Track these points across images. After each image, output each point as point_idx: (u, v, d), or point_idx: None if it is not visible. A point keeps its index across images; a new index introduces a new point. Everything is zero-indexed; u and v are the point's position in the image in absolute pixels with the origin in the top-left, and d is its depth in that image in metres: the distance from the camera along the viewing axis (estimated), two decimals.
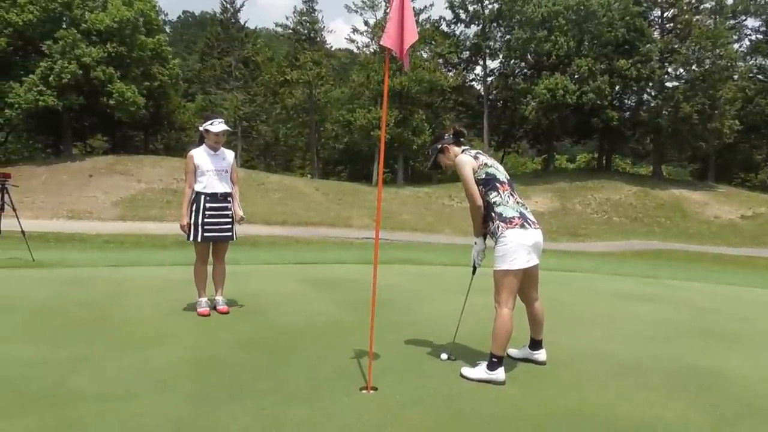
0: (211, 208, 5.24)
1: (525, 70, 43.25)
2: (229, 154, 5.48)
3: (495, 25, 43.86)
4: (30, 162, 33.82)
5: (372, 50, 42.74)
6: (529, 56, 41.10)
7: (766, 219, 33.05)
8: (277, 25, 48.51)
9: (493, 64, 45.80)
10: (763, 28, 42.88)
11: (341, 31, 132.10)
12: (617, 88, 39.53)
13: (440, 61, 43.82)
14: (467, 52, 45.74)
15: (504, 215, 3.78)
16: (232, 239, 5.43)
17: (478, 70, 47.01)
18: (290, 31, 46.99)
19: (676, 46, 37.72)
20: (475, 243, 3.96)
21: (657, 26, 40.95)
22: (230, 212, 5.37)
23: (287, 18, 49.78)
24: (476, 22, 44.26)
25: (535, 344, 4.18)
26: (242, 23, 49.90)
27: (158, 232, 20.28)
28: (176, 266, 9.06)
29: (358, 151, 46.04)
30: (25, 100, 30.83)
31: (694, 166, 53.32)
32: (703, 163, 48.08)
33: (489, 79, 45.21)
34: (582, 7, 36.87)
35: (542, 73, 38.71)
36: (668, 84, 39.58)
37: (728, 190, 40.45)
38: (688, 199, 36.69)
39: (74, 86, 31.86)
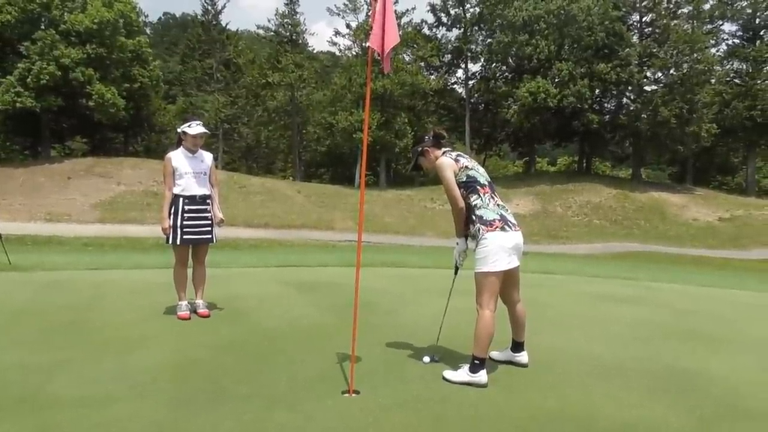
0: (190, 211, 5.21)
1: (506, 74, 43.54)
2: (208, 156, 5.45)
3: (476, 28, 44.12)
4: (7, 164, 33.25)
5: (354, 53, 42.75)
6: (510, 60, 41.39)
7: (743, 221, 33.63)
8: (258, 27, 48.32)
9: (474, 67, 46.18)
10: (739, 33, 43.64)
11: (323, 34, 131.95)
12: (597, 91, 39.99)
13: (422, 64, 43.92)
14: (449, 56, 45.95)
15: (485, 218, 3.79)
16: (212, 242, 5.41)
17: (460, 73, 47.33)
18: (272, 33, 46.83)
19: (654, 50, 38.26)
20: (457, 243, 3.98)
21: (636, 30, 41.48)
22: (209, 214, 5.35)
23: (269, 20, 49.63)
24: (458, 26, 44.49)
25: (517, 346, 4.17)
26: (224, 25, 49.65)
27: (138, 235, 20.12)
28: (156, 269, 8.97)
29: (340, 153, 45.97)
30: (2, 102, 30.39)
31: (673, 169, 54.08)
32: (681, 167, 48.78)
33: (471, 82, 45.49)
34: (563, 12, 37.23)
35: (523, 76, 39.01)
36: (647, 88, 40.15)
37: (706, 192, 41.09)
38: (667, 201, 37.20)
39: (53, 87, 31.46)
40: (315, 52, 51.10)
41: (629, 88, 39.55)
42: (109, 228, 22.08)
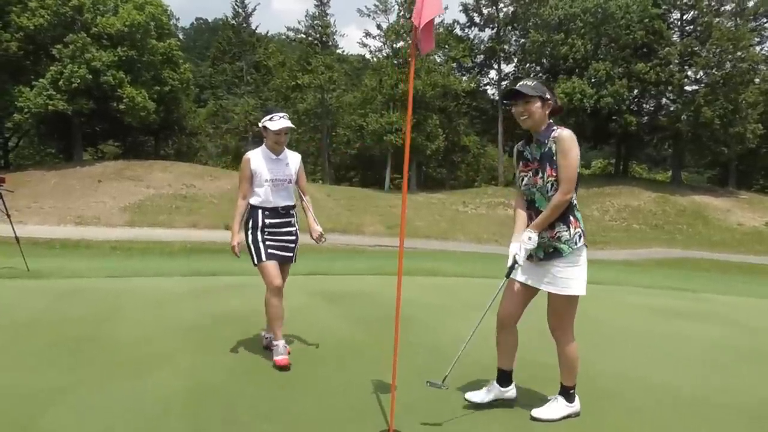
0: (272, 225, 4.19)
1: (541, 74, 42.51)
2: (294, 159, 4.35)
3: (510, 28, 43.27)
4: (40, 167, 33.69)
5: (385, 54, 42.27)
6: (544, 60, 40.40)
7: None
8: (288, 29, 48.19)
9: (507, 68, 45.27)
10: None
11: (354, 37, 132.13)
12: (635, 92, 38.73)
13: (454, 65, 43.21)
14: (481, 56, 45.12)
15: (582, 223, 3.21)
16: (293, 261, 4.38)
17: (493, 74, 46.46)
18: (302, 35, 46.66)
19: (696, 48, 36.86)
20: (530, 238, 3.10)
21: (676, 29, 40.08)
22: (294, 228, 4.31)
23: (299, 22, 49.41)
24: (491, 26, 43.69)
25: (507, 378, 3.45)
26: (254, 28, 49.71)
27: (166, 239, 19.95)
28: (181, 277, 8.62)
29: (370, 156, 45.50)
30: (35, 105, 30.71)
31: (712, 173, 52.24)
32: (723, 169, 47.03)
33: (503, 83, 44.50)
34: (600, 10, 36.12)
35: (559, 76, 38.00)
36: (688, 88, 38.71)
37: (750, 196, 39.45)
38: (710, 205, 35.77)
39: (84, 91, 31.71)
40: (345, 53, 50.82)
41: (669, 88, 38.17)
42: (138, 231, 21.98)
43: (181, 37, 63.13)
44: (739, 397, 3.78)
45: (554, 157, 3.07)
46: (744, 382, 4.15)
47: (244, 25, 48.70)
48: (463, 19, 45.62)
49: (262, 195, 4.18)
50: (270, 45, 51.07)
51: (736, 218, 33.88)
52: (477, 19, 44.26)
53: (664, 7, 38.66)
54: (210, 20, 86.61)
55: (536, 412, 3.27)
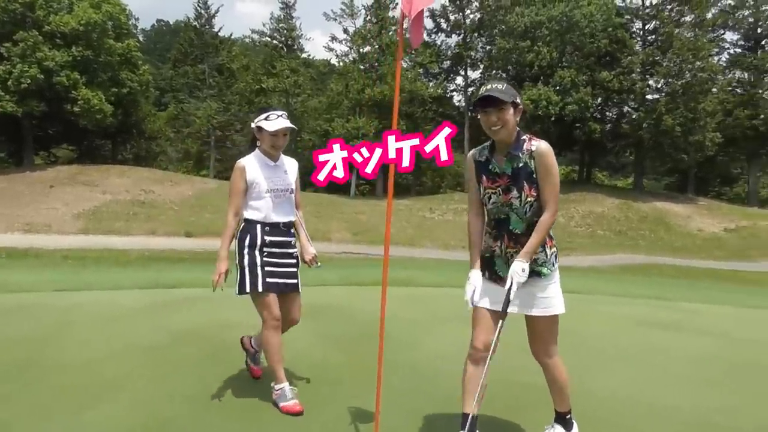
0: (272, 244, 3.51)
1: (507, 81, 42.70)
2: (292, 166, 3.75)
3: (476, 34, 43.42)
4: None
5: (351, 59, 41.92)
6: (510, 67, 40.63)
7: (749, 232, 32.88)
8: (253, 31, 47.29)
9: (474, 74, 45.35)
10: (741, 42, 43.16)
11: (319, 41, 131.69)
12: (599, 100, 39.28)
13: (421, 70, 43.12)
14: (448, 62, 45.16)
15: (555, 241, 2.90)
16: (298, 290, 3.66)
17: (459, 80, 46.51)
18: (267, 38, 45.94)
19: (657, 58, 37.59)
20: (523, 270, 2.70)
21: (639, 38, 40.87)
22: (295, 251, 3.65)
23: (264, 25, 48.67)
24: (457, 32, 43.79)
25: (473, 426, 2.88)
26: (216, 30, 48.68)
27: (123, 247, 19.11)
28: (137, 290, 7.99)
29: None
30: None
31: (670, 179, 53.45)
32: (681, 176, 48.12)
33: (470, 89, 44.64)
34: (565, 18, 36.49)
35: (524, 83, 38.25)
36: (649, 96, 39.44)
37: (709, 203, 40.38)
38: (671, 212, 36.41)
39: (36, 92, 30.38)
40: (311, 57, 50.24)
41: (632, 96, 38.85)
42: (92, 239, 20.97)
43: (141, 38, 61.57)
44: (742, 419, 3.52)
45: (533, 175, 2.72)
46: (742, 400, 3.92)
47: (207, 26, 47.58)
48: (430, 24, 45.55)
49: (263, 209, 3.51)
50: (233, 48, 50.02)
51: (696, 224, 34.54)
52: (444, 25, 44.33)
53: (626, 16, 39.42)
54: (171, 22, 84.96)
55: None
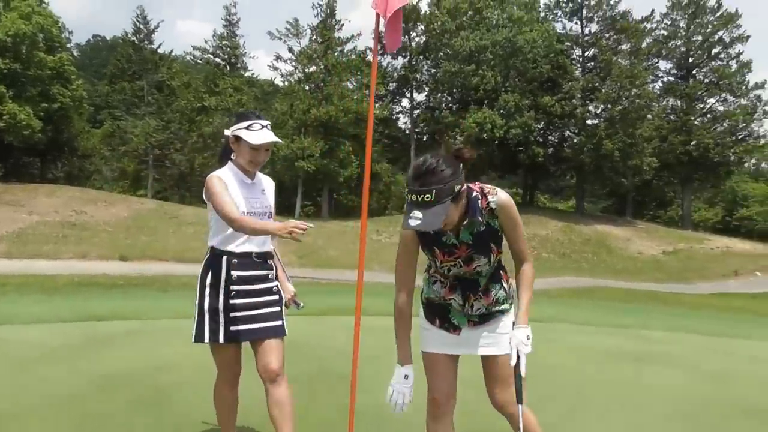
0: (241, 280, 2.84)
1: (451, 104, 43.14)
2: (269, 186, 3.09)
3: (422, 57, 43.64)
4: None
5: (296, 78, 41.28)
6: (455, 90, 40.99)
7: (686, 255, 33.93)
8: (195, 48, 45.83)
9: (420, 96, 45.56)
10: (674, 71, 45.12)
11: (264, 61, 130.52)
12: (542, 124, 40.05)
13: (366, 92, 42.91)
14: (394, 84, 45.18)
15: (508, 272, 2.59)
16: (283, 333, 2.93)
17: (405, 102, 46.55)
18: (209, 55, 44.73)
19: (597, 84, 38.74)
20: (528, 337, 2.37)
21: (579, 65, 42.11)
22: (275, 285, 2.96)
23: (206, 42, 47.27)
24: (403, 54, 43.90)
25: None
26: (156, 46, 47.17)
27: (50, 272, 17.60)
28: (60, 324, 7.00)
29: (280, 182, 43.86)
30: None
31: (607, 202, 55.04)
32: (618, 199, 49.57)
33: (416, 111, 44.79)
34: (508, 43, 37.16)
35: (470, 107, 38.62)
36: (589, 122, 40.52)
37: (647, 225, 41.62)
38: (611, 234, 37.23)
39: None
40: (255, 76, 49.21)
41: (573, 121, 39.80)
42: (15, 264, 19.31)
43: (75, 53, 59.11)
44: None
45: (499, 233, 2.37)
46: None
47: (146, 42, 46.04)
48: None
49: (235, 237, 2.82)
50: (174, 64, 48.56)
51: (636, 247, 35.40)
52: None
53: (567, 43, 40.58)
54: (108, 38, 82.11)
55: None
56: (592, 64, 41.07)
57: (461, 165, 2.17)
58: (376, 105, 43.19)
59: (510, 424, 2.46)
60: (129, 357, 5.14)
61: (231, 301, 2.80)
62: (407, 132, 45.70)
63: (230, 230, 2.79)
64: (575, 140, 40.77)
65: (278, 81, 46.43)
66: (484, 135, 37.02)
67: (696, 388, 5.01)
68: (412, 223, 2.06)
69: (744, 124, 42.61)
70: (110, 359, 5.03)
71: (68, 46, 44.95)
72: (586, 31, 41.42)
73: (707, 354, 7.07)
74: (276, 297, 2.93)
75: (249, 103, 43.32)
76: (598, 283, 26.93)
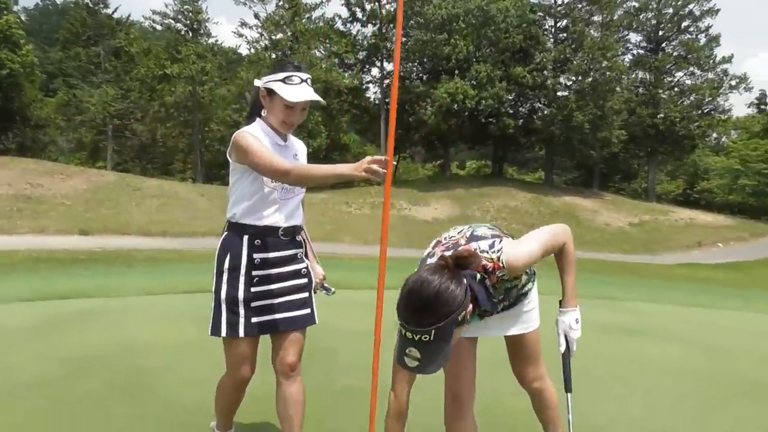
0: (266, 263, 2.39)
1: (422, 74, 42.40)
2: (302, 149, 2.66)
3: (392, 25, 42.62)
4: None
5: (263, 45, 39.90)
6: (426, 59, 40.24)
7: (652, 226, 34.46)
8: (155, 12, 43.62)
9: (390, 66, 44.58)
10: (644, 44, 45.24)
11: (226, 29, 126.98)
12: (512, 95, 39.74)
13: (336, 60, 41.82)
14: (364, 53, 44.07)
15: None
16: (313, 321, 2.53)
17: (375, 71, 45.54)
18: (170, 20, 42.78)
19: (568, 56, 38.50)
20: (577, 320, 2.26)
21: (551, 36, 41.77)
22: (304, 266, 2.52)
23: (167, 6, 45.12)
24: (373, 22, 42.80)
25: None
26: (112, 11, 44.97)
27: (5, 248, 16.68)
28: (19, 303, 6.44)
29: None
30: None
31: (574, 175, 55.51)
32: (586, 172, 49.98)
33: (386, 81, 43.87)
34: (481, 12, 36.49)
35: (441, 77, 37.99)
36: (560, 93, 40.39)
37: (614, 197, 42.08)
38: (579, 206, 37.46)
39: None
40: (219, 43, 47.48)
41: (544, 92, 39.60)
42: None
43: (23, 18, 56.05)
44: None
45: (523, 287, 2.23)
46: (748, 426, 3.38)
47: (101, 5, 43.76)
48: (345, 13, 44.23)
49: (262, 209, 2.37)
50: (132, 30, 46.40)
51: (603, 218, 35.73)
52: (359, 15, 43.17)
53: (539, 13, 40.13)
54: (59, 2, 78.07)
55: None
56: (564, 35, 40.75)
57: (464, 280, 1.76)
58: (344, 74, 42.23)
59: (533, 401, 2.42)
60: (99, 338, 4.73)
61: (253, 290, 2.37)
62: (377, 102, 44.83)
63: (255, 198, 2.37)
64: (546, 112, 40.65)
65: (243, 49, 44.96)
66: (456, 106, 36.53)
67: (699, 363, 4.86)
68: (409, 363, 1.75)
69: (710, 98, 43.12)
70: (79, 341, 4.61)
71: (14, 9, 42.47)
72: (559, 1, 41.04)
73: (701, 327, 6.92)
74: (305, 281, 2.50)
75: (213, 72, 41.86)
76: None
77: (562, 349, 2.23)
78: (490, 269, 1.94)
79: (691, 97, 43.56)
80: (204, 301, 7.03)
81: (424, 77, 41.67)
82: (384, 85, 43.06)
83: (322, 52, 40.79)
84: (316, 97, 2.40)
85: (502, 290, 2.04)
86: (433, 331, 1.67)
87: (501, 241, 2.01)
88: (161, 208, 27.18)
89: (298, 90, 2.35)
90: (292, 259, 2.47)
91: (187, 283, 8.66)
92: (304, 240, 2.59)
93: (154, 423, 3.02)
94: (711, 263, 26.88)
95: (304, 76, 2.40)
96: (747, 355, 5.33)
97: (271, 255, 2.40)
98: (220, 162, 51.62)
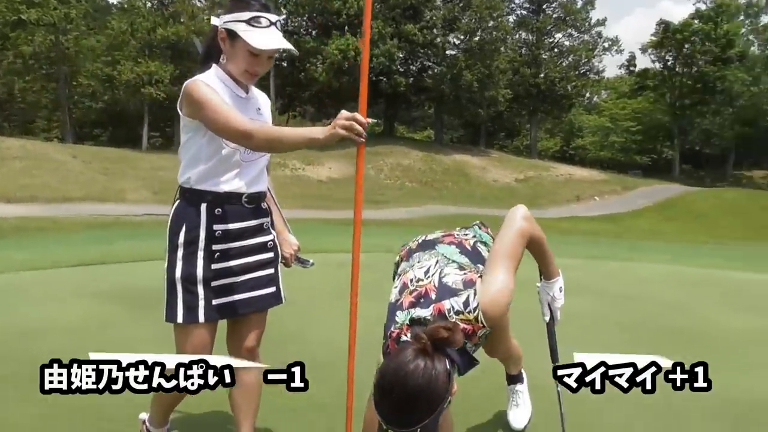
0: (228, 236, 2.01)
1: (312, 30, 41.02)
2: (266, 102, 2.23)
3: None
4: None
5: None
6: (316, 14, 38.92)
7: (536, 182, 36.30)
8: None
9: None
10: (526, 4, 46.69)
11: None
12: (402, 54, 39.65)
13: (220, 11, 39.21)
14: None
15: None
16: (280, 301, 2.18)
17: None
18: None
19: (457, 14, 38.84)
20: (561, 289, 2.19)
21: None
22: (270, 238, 2.15)
23: None
24: None
25: None
26: None
27: None
28: None
29: (122, 111, 39.72)
30: None
31: (460, 133, 57.08)
32: (473, 130, 51.51)
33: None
34: None
35: (332, 32, 36.96)
36: (449, 52, 40.85)
37: (500, 155, 43.77)
38: (469, 163, 38.59)
39: None
40: None
41: (434, 51, 39.84)
42: None
43: None
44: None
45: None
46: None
47: None
48: None
49: (221, 173, 1.98)
50: None
51: (492, 175, 37.11)
52: None
53: None
54: None
55: (514, 421, 2.57)
56: None
57: (445, 360, 1.52)
58: None
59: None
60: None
61: (213, 267, 1.99)
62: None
63: (214, 160, 1.96)
64: (436, 70, 41.00)
65: None
66: (347, 63, 35.81)
67: (615, 314, 4.93)
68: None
69: (586, 60, 45.59)
70: None
71: None
72: None
73: (606, 278, 7.07)
74: (271, 255, 2.14)
75: (79, 20, 37.82)
76: (462, 211, 27.80)
77: (547, 318, 2.19)
78: (470, 333, 1.70)
79: (569, 58, 45.87)
80: (100, 274, 6.27)
81: (314, 32, 40.37)
82: None
83: (204, 1, 38.10)
84: (288, 45, 1.99)
85: (482, 341, 1.82)
86: (419, 430, 1.48)
87: (475, 290, 1.74)
88: (26, 171, 24.51)
89: (266, 35, 1.93)
90: (258, 231, 2.09)
91: (75, 255, 7.72)
92: (270, 207, 2.21)
93: (58, 415, 2.52)
94: (589, 216, 28.83)
95: (274, 18, 1.97)
96: (653, 302, 5.49)
97: (234, 226, 2.01)
98: (92, 120, 47.52)
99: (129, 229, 14.97)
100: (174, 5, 34.54)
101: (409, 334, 1.68)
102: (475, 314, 1.70)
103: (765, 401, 3.04)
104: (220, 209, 1.98)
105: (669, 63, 47.24)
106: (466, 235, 2.12)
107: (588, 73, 46.99)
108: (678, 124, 46.96)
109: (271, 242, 2.14)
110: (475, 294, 1.73)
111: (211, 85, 1.94)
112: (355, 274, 1.91)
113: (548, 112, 48.24)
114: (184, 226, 1.98)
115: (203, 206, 1.97)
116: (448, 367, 1.50)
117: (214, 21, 2.03)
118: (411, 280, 1.87)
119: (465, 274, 1.83)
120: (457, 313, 1.70)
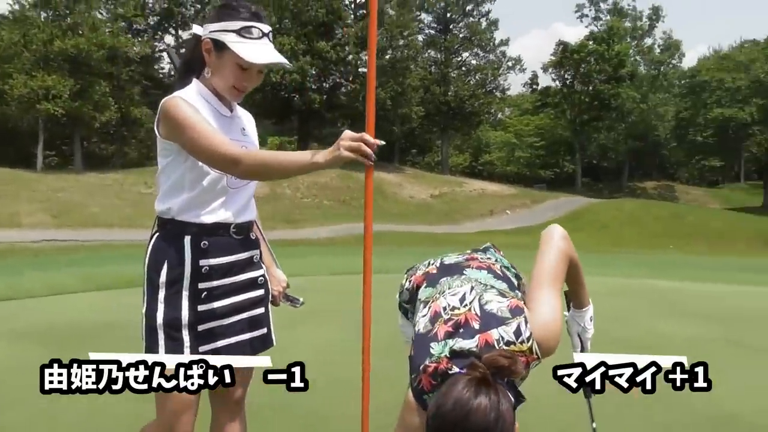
0: (216, 272, 1.80)
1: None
2: (250, 121, 2.08)
3: None
4: None
5: (30, 2, 34.24)
6: None
7: (450, 197, 37.11)
8: None
9: (186, 34, 41.34)
10: (434, 24, 48.03)
11: None
12: (316, 70, 39.56)
13: (123, 24, 37.49)
14: (156, 18, 40.19)
15: None
16: (271, 343, 2.01)
17: (170, 39, 41.94)
18: None
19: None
20: (591, 318, 2.14)
21: (351, 12, 42.17)
22: (260, 273, 1.97)
23: None
24: None
25: None
26: None
27: None
28: None
29: (14, 128, 36.88)
30: None
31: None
32: (387, 147, 52.06)
33: (182, 50, 40.65)
34: None
35: None
36: (362, 69, 41.15)
37: (414, 171, 44.47)
38: (385, 180, 38.83)
39: None
40: None
41: (349, 68, 40.02)
42: None
43: None
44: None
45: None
46: None
47: None
48: None
49: (205, 201, 1.80)
50: None
51: (408, 192, 37.56)
52: None
53: None
54: None
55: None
56: (365, 11, 41.42)
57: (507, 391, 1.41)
58: (134, 41, 38.22)
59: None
60: None
61: (200, 308, 1.78)
62: (172, 72, 41.42)
63: (198, 188, 1.76)
64: (349, 88, 41.17)
65: (4, 5, 38.08)
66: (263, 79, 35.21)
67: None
68: None
69: (492, 78, 47.45)
70: None
71: None
72: None
73: None
74: (262, 292, 1.97)
75: None
76: (383, 228, 27.81)
77: (578, 350, 2.06)
78: (525, 365, 1.55)
79: (477, 77, 47.55)
80: (15, 309, 5.70)
81: None
82: (181, 53, 39.86)
83: (105, 13, 36.31)
84: (282, 60, 1.84)
85: (526, 376, 1.67)
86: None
87: (525, 318, 1.60)
88: None
89: (258, 47, 1.77)
90: (248, 265, 1.91)
91: None
92: (258, 238, 2.02)
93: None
94: (503, 229, 29.77)
95: (266, 28, 1.82)
96: (602, 315, 5.62)
97: (222, 260, 1.81)
98: None
99: (27, 257, 13.87)
100: (72, 17, 32.59)
101: (454, 368, 1.48)
102: (529, 344, 1.54)
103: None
104: (206, 242, 1.77)
105: (568, 81, 50.00)
106: (489, 258, 1.97)
107: (494, 90, 48.91)
108: (578, 139, 49.71)
109: (261, 278, 1.96)
110: (526, 322, 1.58)
111: (192, 103, 1.75)
112: (367, 295, 1.87)
113: (458, 128, 49.66)
114: (166, 263, 1.75)
115: (187, 239, 1.76)
116: (512, 400, 1.36)
117: (197, 30, 1.84)
118: (444, 308, 1.70)
119: (509, 300, 1.67)
120: (508, 343, 1.53)
